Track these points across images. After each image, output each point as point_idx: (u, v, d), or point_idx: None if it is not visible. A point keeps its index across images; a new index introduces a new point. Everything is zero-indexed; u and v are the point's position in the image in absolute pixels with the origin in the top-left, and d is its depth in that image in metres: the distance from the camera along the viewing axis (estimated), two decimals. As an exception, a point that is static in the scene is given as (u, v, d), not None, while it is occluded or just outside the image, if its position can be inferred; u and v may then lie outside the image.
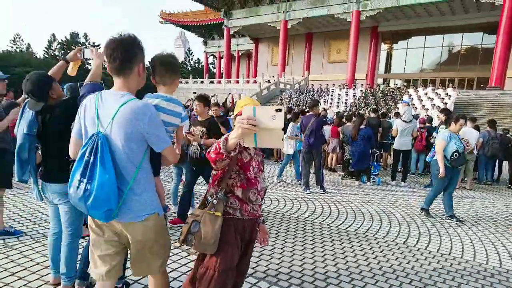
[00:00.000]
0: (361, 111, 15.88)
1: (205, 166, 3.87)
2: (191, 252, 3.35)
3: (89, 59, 2.79)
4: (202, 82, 30.34)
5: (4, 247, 3.32)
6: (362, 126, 7.55)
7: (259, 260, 3.36)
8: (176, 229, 4.14)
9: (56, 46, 56.09)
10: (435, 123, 11.03)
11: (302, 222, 4.73)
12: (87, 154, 1.59)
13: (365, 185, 7.63)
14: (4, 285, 2.64)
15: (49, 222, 2.68)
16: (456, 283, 3.15)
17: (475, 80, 29.33)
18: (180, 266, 3.12)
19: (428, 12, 27.85)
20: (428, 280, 3.17)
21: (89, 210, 1.61)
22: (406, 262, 3.56)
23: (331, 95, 23.43)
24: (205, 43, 47.91)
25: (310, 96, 22.96)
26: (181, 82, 29.25)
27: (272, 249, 3.68)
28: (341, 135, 9.22)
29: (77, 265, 2.54)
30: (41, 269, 2.92)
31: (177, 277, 2.92)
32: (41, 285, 2.67)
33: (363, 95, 22.12)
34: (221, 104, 11.23)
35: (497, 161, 9.19)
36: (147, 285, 2.77)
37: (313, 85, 26.25)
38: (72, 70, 2.66)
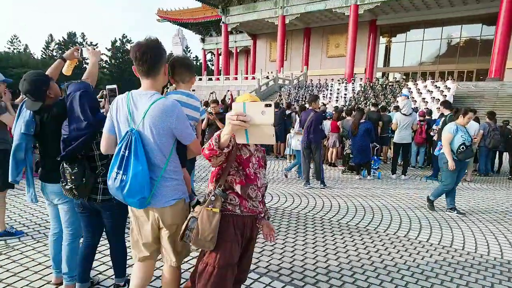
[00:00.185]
0: (360, 105, 15.87)
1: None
2: (192, 249, 3.35)
3: (86, 58, 2.79)
4: (200, 79, 30.26)
5: (6, 247, 3.33)
6: (362, 120, 7.53)
7: (260, 256, 3.37)
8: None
9: (54, 47, 56.02)
10: (435, 115, 11.03)
11: (303, 217, 4.73)
12: (122, 149, 1.78)
13: (365, 179, 7.63)
14: (7, 285, 2.64)
15: (49, 222, 2.67)
16: (458, 275, 3.15)
17: (475, 72, 29.23)
18: (183, 263, 3.11)
19: (427, 5, 27.73)
20: (430, 272, 3.17)
21: (125, 198, 1.80)
22: (408, 255, 3.57)
23: (330, 90, 23.36)
24: (202, 40, 47.73)
25: (309, 91, 22.92)
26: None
27: (274, 244, 3.68)
28: (341, 130, 9.21)
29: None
30: (43, 269, 2.92)
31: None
32: (44, 285, 2.68)
33: (362, 89, 22.06)
34: (220, 101, 11.21)
35: (497, 152, 9.19)
36: (149, 283, 2.78)
37: (312, 80, 26.17)
38: (67, 69, 2.65)
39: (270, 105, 1.46)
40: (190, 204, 2.06)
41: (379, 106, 10.26)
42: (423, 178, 8.04)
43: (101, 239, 2.53)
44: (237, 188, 1.85)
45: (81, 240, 2.50)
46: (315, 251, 3.57)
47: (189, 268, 2.99)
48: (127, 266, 2.91)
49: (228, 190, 1.87)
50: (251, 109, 1.47)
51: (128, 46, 59.82)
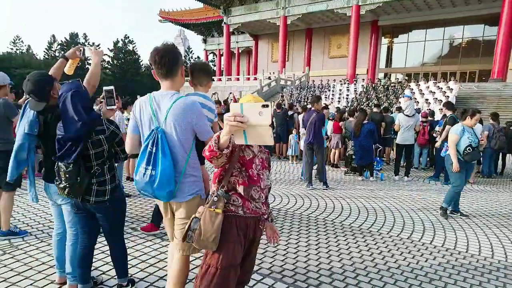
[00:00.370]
0: (362, 106, 15.84)
1: None
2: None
3: (88, 58, 2.79)
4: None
5: (10, 247, 3.34)
6: (365, 121, 7.52)
7: (263, 257, 3.36)
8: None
9: (56, 47, 56.16)
10: (437, 117, 11.00)
11: (306, 218, 4.73)
12: (149, 146, 1.91)
13: (368, 181, 7.61)
14: (11, 285, 2.65)
15: (53, 222, 2.68)
16: (462, 277, 3.14)
17: (477, 73, 29.18)
18: (193, 259, 3.11)
19: (429, 5, 27.70)
20: (433, 275, 3.16)
21: (155, 191, 1.93)
22: (411, 257, 3.55)
23: (332, 91, 23.36)
24: (204, 41, 47.79)
25: (311, 92, 22.92)
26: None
27: (277, 245, 3.68)
28: (343, 131, 9.20)
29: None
30: (47, 269, 2.93)
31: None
32: (47, 284, 2.68)
33: (364, 90, 22.04)
34: (222, 102, 11.21)
35: (501, 154, 9.15)
36: (153, 283, 2.78)
37: (314, 80, 26.17)
38: (69, 69, 2.65)
39: (267, 106, 1.45)
40: (206, 201, 2.12)
41: (382, 107, 10.24)
42: (426, 179, 8.01)
43: (103, 239, 2.54)
44: (240, 189, 1.84)
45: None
46: (318, 253, 3.56)
47: (192, 269, 2.98)
48: (129, 266, 2.92)
49: (231, 191, 1.86)
50: (248, 110, 1.46)
51: (131, 47, 60.00)
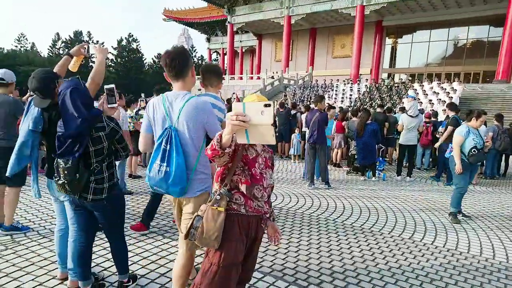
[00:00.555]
0: (366, 106, 15.81)
1: None
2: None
3: (92, 56, 2.81)
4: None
5: (12, 242, 3.36)
6: (368, 121, 7.50)
7: (265, 255, 3.37)
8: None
9: (61, 45, 56.40)
10: (441, 117, 10.95)
11: (308, 218, 4.72)
12: (163, 144, 2.00)
13: (370, 181, 7.60)
14: (13, 280, 2.67)
15: (55, 218, 2.70)
16: (463, 278, 3.13)
17: (481, 74, 29.01)
18: (197, 256, 3.12)
19: (433, 6, 27.56)
20: (435, 275, 3.15)
21: (169, 187, 2.01)
22: (413, 257, 3.55)
23: (336, 91, 23.32)
24: (208, 40, 47.82)
25: (314, 92, 22.88)
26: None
27: (278, 245, 3.67)
28: (346, 130, 9.18)
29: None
30: (49, 264, 2.94)
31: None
32: (49, 280, 2.70)
33: (368, 90, 21.98)
34: (225, 101, 11.22)
35: (503, 155, 9.11)
36: (154, 279, 2.80)
37: (317, 80, 26.12)
38: (73, 66, 2.66)
39: (269, 105, 1.44)
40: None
41: (385, 108, 10.21)
42: (428, 180, 7.99)
43: (104, 235, 2.55)
44: (242, 187, 1.85)
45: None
46: (319, 252, 3.56)
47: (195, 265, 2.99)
48: (130, 263, 2.93)
49: (233, 189, 1.87)
50: (251, 109, 1.46)
51: (134, 45, 60.15)
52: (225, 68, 40.63)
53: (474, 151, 4.79)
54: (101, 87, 2.63)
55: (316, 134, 6.53)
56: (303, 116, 8.89)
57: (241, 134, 1.51)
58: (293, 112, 10.73)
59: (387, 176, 7.95)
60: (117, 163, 4.01)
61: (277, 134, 9.76)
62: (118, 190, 2.45)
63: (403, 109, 10.70)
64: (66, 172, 2.15)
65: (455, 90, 19.00)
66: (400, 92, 20.44)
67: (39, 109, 2.35)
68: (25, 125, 2.38)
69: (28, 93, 5.88)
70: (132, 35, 60.40)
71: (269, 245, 3.60)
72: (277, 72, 29.79)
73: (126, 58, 59.28)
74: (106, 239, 2.88)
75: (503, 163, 9.24)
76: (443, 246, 3.90)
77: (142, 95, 14.54)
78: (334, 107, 9.72)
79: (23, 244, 3.33)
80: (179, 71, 2.07)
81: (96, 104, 2.41)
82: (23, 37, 56.36)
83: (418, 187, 7.20)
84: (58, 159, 2.19)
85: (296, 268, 3.15)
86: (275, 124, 9.58)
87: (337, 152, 9.33)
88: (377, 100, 19.47)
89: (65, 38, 56.39)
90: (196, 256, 3.19)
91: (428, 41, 31.31)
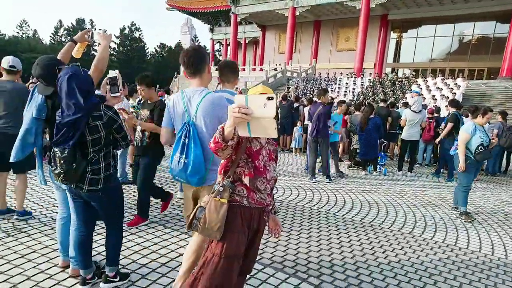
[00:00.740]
0: (368, 100, 15.74)
1: (143, 155, 3.68)
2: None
3: (95, 44, 2.78)
4: (208, 69, 30.15)
5: (14, 229, 3.38)
6: (371, 116, 7.47)
7: (265, 247, 3.39)
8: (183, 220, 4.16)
9: (63, 32, 56.10)
10: (443, 113, 10.91)
11: (308, 211, 4.74)
12: (182, 137, 2.14)
13: (371, 175, 7.60)
14: (14, 267, 2.69)
15: (57, 206, 2.71)
16: (461, 273, 3.15)
17: (486, 71, 28.79)
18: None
19: (440, 1, 27.22)
20: (433, 270, 3.17)
21: (188, 177, 2.16)
22: (412, 252, 3.56)
23: (339, 84, 23.20)
24: (211, 30, 47.48)
25: (318, 85, 22.77)
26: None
27: (278, 236, 3.69)
28: (348, 124, 9.15)
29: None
30: (50, 252, 2.97)
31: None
32: (50, 268, 2.72)
33: (371, 84, 21.87)
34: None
35: (505, 152, 9.10)
36: (146, 274, 2.81)
37: (320, 73, 25.97)
38: (77, 52, 2.64)
39: (272, 98, 1.43)
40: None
41: (388, 102, 10.17)
42: (429, 175, 7.99)
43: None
44: (246, 180, 1.85)
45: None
46: (319, 245, 3.58)
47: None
48: (130, 253, 2.95)
49: (236, 181, 1.87)
50: (253, 102, 1.44)
51: (137, 34, 59.78)
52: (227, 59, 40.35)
53: (481, 148, 4.75)
54: (105, 75, 2.61)
55: (319, 128, 6.51)
56: (306, 109, 8.86)
57: (243, 126, 1.50)
58: (295, 105, 10.69)
59: (388, 171, 7.95)
60: (118, 152, 4.00)
61: (279, 127, 9.74)
62: (115, 182, 2.40)
63: (406, 104, 10.67)
64: (62, 161, 2.13)
65: (459, 86, 18.88)
66: (403, 87, 20.32)
67: (43, 96, 2.34)
68: (29, 112, 2.38)
69: (30, 80, 5.86)
70: (135, 24, 60.08)
71: (269, 237, 3.62)
72: (280, 64, 29.60)
73: (129, 47, 58.99)
74: (107, 227, 2.89)
75: (504, 161, 9.23)
76: (443, 242, 3.92)
77: None
78: (344, 101, 9.63)
79: (24, 232, 3.35)
80: (196, 69, 2.18)
81: (97, 92, 2.38)
82: (25, 23, 56.05)
83: (419, 182, 7.20)
84: (55, 148, 2.16)
85: (296, 261, 3.16)
86: (277, 116, 9.56)
87: (339, 146, 9.32)
88: (380, 94, 19.38)
89: (67, 26, 56.09)
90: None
91: (433, 36, 30.99)
